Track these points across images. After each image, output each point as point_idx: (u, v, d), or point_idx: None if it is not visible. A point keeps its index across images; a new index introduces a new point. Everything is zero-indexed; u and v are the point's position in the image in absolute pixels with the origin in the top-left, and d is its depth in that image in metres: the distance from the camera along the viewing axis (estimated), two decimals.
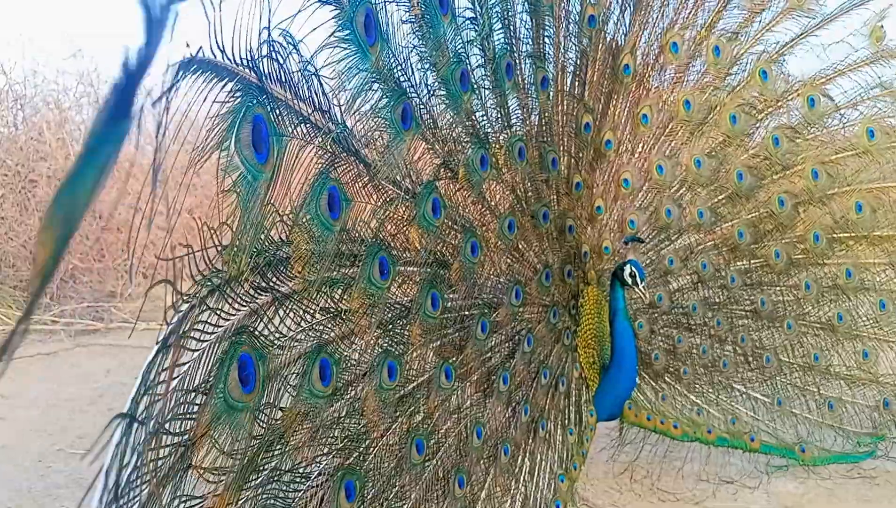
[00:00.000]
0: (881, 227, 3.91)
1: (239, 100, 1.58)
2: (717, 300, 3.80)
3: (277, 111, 1.72)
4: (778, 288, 3.91)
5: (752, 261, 3.84)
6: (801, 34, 3.68)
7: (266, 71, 1.66)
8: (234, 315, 1.69)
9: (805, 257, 3.90)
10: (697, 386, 3.80)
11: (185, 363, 1.59)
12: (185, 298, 1.57)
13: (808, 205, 3.84)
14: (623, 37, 3.32)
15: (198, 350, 1.62)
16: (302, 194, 1.85)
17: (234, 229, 1.61)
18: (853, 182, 3.86)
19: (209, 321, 1.64)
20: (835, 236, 3.91)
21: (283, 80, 1.74)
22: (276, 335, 1.86)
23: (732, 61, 3.63)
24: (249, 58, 1.60)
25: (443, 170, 2.51)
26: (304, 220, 1.86)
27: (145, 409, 1.48)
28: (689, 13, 3.46)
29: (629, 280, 3.21)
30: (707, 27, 3.54)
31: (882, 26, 3.80)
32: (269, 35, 1.64)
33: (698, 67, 3.58)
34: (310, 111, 1.85)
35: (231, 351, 1.66)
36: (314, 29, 1.78)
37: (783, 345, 3.93)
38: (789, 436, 3.97)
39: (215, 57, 1.52)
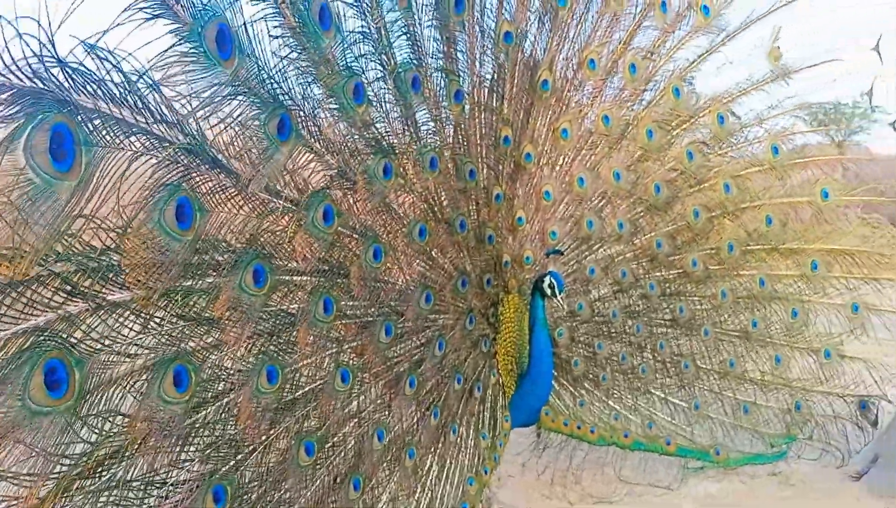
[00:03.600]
0: (790, 240, 4.09)
1: (29, 111, 1.56)
2: (637, 309, 3.93)
3: (91, 122, 1.69)
4: (696, 297, 4.06)
5: (670, 270, 3.98)
6: (707, 52, 3.85)
7: (70, 82, 1.65)
8: (28, 320, 1.68)
9: (721, 268, 4.06)
10: (616, 392, 3.92)
11: None
12: None
13: (721, 217, 4.00)
14: (542, 53, 3.42)
15: None
16: (139, 205, 1.83)
17: (14, 232, 1.58)
18: (763, 196, 4.03)
19: None
20: (748, 247, 4.08)
21: (102, 92, 1.72)
22: (113, 342, 1.86)
23: (647, 78, 3.77)
24: (33, 72, 1.57)
25: (337, 180, 2.51)
26: (138, 229, 1.84)
27: None
28: (606, 31, 3.59)
29: (548, 291, 3.32)
30: (623, 44, 3.67)
31: (778, 47, 3.99)
32: (53, 47, 1.60)
33: (616, 83, 3.71)
34: (148, 123, 1.83)
35: (32, 356, 1.66)
36: (149, 42, 1.77)
37: (700, 351, 4.08)
38: (705, 439, 4.12)
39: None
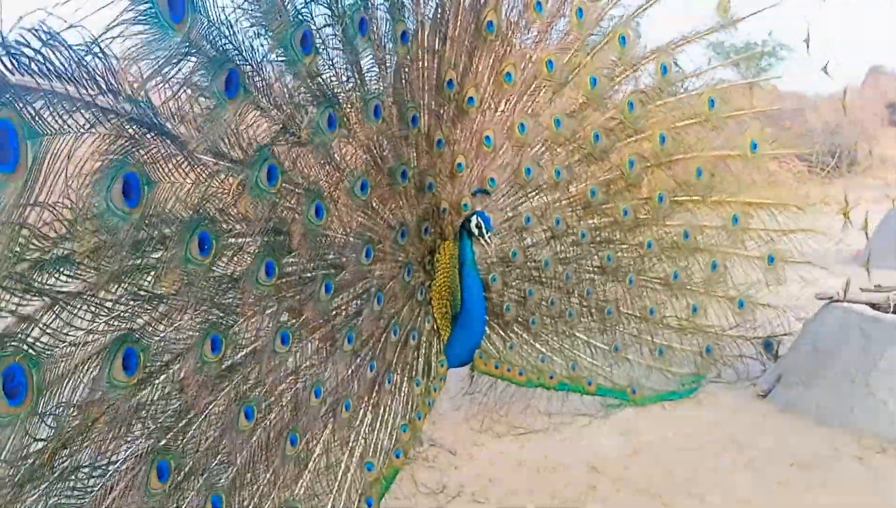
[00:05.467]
0: (718, 192, 4.21)
1: None
2: (568, 255, 3.99)
3: (36, 106, 1.51)
4: (624, 245, 4.16)
5: (602, 218, 4.04)
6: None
7: (13, 63, 1.46)
8: None
9: (649, 217, 4.15)
10: (543, 335, 4.02)
11: None
12: None
13: (654, 168, 4.06)
14: None
15: None
16: (85, 187, 1.68)
17: None
18: (696, 148, 4.10)
19: None
20: (677, 198, 4.17)
21: (47, 69, 1.53)
22: (62, 335, 1.75)
23: (594, 23, 3.68)
24: None
25: (283, 135, 2.38)
26: (87, 215, 1.71)
27: None
28: None
29: (476, 231, 3.27)
30: None
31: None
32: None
33: (562, 28, 3.60)
34: (93, 94, 1.65)
35: None
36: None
37: (624, 298, 4.21)
38: (623, 379, 4.32)
39: None
